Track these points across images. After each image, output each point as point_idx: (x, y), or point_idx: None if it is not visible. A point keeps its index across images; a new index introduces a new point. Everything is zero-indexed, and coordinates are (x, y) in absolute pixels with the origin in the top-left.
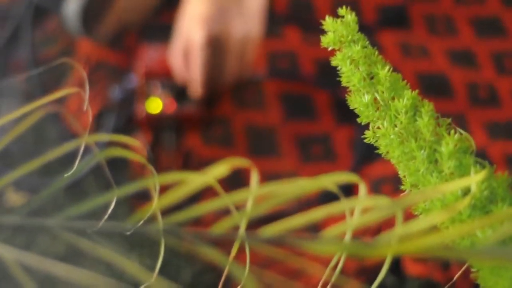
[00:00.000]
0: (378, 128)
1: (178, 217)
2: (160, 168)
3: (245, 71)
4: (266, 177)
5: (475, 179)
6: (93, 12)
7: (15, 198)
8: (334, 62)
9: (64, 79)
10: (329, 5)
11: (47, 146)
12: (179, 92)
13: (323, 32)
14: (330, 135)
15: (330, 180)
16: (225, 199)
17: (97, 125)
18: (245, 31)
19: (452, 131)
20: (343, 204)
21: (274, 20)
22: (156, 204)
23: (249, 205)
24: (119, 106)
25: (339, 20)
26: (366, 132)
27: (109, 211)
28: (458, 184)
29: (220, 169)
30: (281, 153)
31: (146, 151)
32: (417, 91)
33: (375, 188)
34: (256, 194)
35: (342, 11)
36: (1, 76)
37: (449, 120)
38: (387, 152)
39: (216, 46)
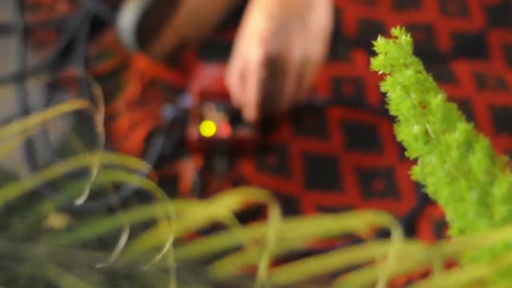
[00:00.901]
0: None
1: (187, 251)
2: (209, 194)
3: (303, 94)
4: (323, 211)
5: None
6: (149, 27)
7: (57, 221)
8: (383, 87)
9: (116, 95)
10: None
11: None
12: (234, 115)
13: None
14: (394, 169)
15: (358, 220)
16: (241, 234)
17: (147, 146)
18: (306, 51)
19: (508, 171)
20: (370, 249)
21: (341, 42)
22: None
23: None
24: (171, 127)
25: (391, 41)
26: (414, 167)
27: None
28: (510, 232)
29: (230, 201)
30: (340, 185)
31: (193, 175)
32: (472, 124)
33: (437, 231)
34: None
35: (396, 31)
36: (53, 90)
37: (506, 158)
38: (435, 192)
39: (274, 66)
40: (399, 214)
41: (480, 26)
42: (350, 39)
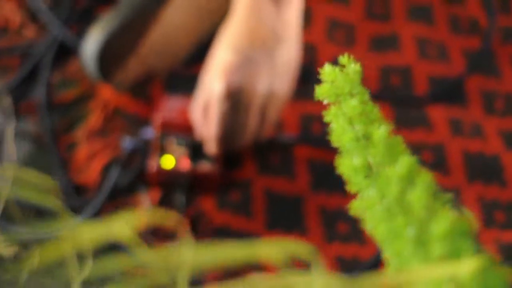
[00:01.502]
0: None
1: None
2: (165, 230)
3: (267, 130)
4: None
5: (466, 267)
6: (112, 55)
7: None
8: (327, 117)
9: (77, 125)
10: (376, 71)
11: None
12: (196, 150)
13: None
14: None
15: (274, 249)
16: (146, 255)
17: (105, 177)
18: (271, 86)
19: (448, 207)
20: (287, 279)
21: (314, 81)
22: None
23: (183, 266)
24: (130, 158)
25: (338, 69)
26: (353, 202)
27: None
28: (441, 270)
29: (131, 220)
30: (304, 226)
31: (149, 209)
32: (415, 158)
33: None
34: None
35: (343, 59)
36: (13, 116)
37: (449, 196)
38: (373, 228)
39: (236, 100)
40: (363, 258)
41: (459, 71)
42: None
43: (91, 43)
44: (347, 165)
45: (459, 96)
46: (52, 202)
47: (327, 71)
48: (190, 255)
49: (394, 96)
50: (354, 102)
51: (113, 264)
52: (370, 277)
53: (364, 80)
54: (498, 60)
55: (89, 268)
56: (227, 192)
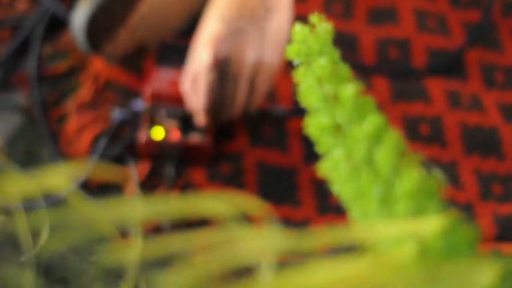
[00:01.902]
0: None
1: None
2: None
3: (257, 102)
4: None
5: (430, 224)
6: (101, 26)
7: None
8: (296, 77)
9: (68, 97)
10: (374, 43)
11: (38, 167)
12: (187, 121)
13: (355, 69)
14: None
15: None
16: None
17: (96, 149)
18: (260, 56)
19: (414, 166)
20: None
21: None
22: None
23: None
24: (120, 129)
25: (309, 29)
26: (321, 162)
27: None
28: (404, 227)
29: (67, 171)
30: (296, 199)
31: (137, 180)
32: (384, 117)
33: None
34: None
35: (314, 18)
36: (3, 89)
37: (420, 156)
38: (340, 189)
39: (223, 70)
40: None
41: (458, 44)
42: None
43: (80, 14)
44: (315, 125)
45: (458, 69)
46: None
47: (297, 30)
48: (139, 207)
49: (392, 68)
50: (323, 61)
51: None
52: (326, 232)
53: (362, 53)
54: (498, 32)
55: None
56: (218, 164)
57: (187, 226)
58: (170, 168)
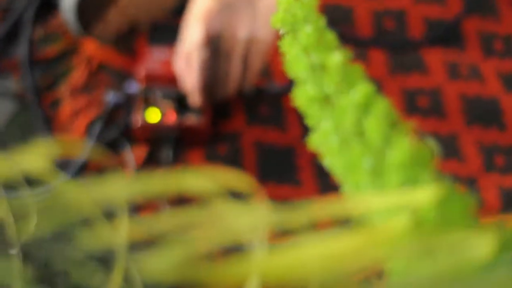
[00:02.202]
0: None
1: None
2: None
3: (252, 79)
4: (278, 203)
5: (424, 195)
6: (91, 7)
7: None
8: (282, 47)
9: (61, 81)
10: (369, 16)
11: None
12: (182, 102)
13: (352, 42)
14: None
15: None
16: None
17: (91, 134)
18: (253, 32)
19: (405, 136)
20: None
21: None
22: None
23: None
24: (114, 113)
25: None
26: (310, 136)
27: None
28: (396, 198)
29: (44, 150)
30: (296, 178)
31: (134, 164)
32: (373, 86)
33: None
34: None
35: None
36: None
37: (411, 124)
38: (330, 163)
39: (216, 46)
40: None
41: (456, 12)
42: None
43: None
44: (303, 97)
45: (456, 39)
46: None
47: None
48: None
49: (388, 40)
50: (308, 29)
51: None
52: (315, 205)
53: (358, 25)
54: (496, 0)
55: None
56: (215, 145)
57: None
58: (167, 151)
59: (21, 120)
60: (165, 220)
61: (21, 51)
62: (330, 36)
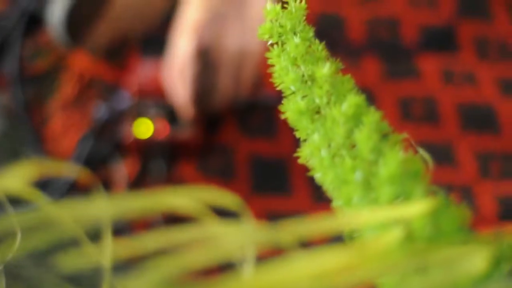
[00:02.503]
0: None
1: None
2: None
3: (245, 91)
4: (271, 217)
5: (416, 208)
6: (80, 20)
7: None
8: (270, 59)
9: (50, 96)
10: (362, 23)
11: None
12: (173, 115)
13: (345, 51)
14: None
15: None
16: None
17: (81, 150)
18: (242, 43)
19: (396, 148)
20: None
21: None
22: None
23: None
24: (104, 127)
25: (279, 7)
26: (300, 149)
27: None
28: (389, 212)
29: (23, 171)
30: (290, 190)
31: (126, 180)
32: (363, 96)
33: None
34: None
35: None
36: None
37: (402, 136)
38: (320, 176)
39: (207, 59)
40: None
41: (448, 17)
42: None
43: (57, 8)
44: (292, 109)
45: (450, 44)
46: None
47: (269, 9)
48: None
49: (382, 48)
50: (297, 40)
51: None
52: (305, 223)
53: (351, 34)
54: (489, 3)
55: None
56: (208, 157)
57: (173, 223)
58: (160, 165)
59: (11, 135)
60: (153, 240)
61: (10, 67)
62: (319, 47)
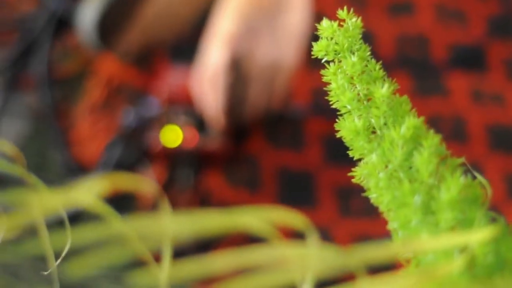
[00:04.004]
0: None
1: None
2: (174, 209)
3: (276, 103)
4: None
5: (477, 236)
6: (113, 23)
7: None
8: (325, 77)
9: (78, 99)
10: (392, 40)
11: (48, 174)
12: (202, 124)
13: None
14: None
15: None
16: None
17: (107, 153)
18: (275, 56)
19: (458, 173)
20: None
21: None
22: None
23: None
24: (133, 135)
25: (337, 24)
26: (355, 169)
27: None
28: (451, 239)
29: (95, 186)
30: (316, 202)
31: (155, 188)
32: (422, 118)
33: None
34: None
35: (342, 14)
36: (12, 91)
37: (460, 160)
38: (377, 197)
39: (239, 71)
40: (377, 235)
41: (479, 36)
42: None
43: (91, 10)
44: (348, 128)
45: (480, 63)
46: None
47: (325, 26)
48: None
49: (411, 64)
50: (354, 59)
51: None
52: (370, 248)
53: (380, 48)
54: None
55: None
56: (235, 167)
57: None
58: (188, 174)
59: (37, 138)
60: (224, 260)
61: (38, 69)
62: (376, 66)
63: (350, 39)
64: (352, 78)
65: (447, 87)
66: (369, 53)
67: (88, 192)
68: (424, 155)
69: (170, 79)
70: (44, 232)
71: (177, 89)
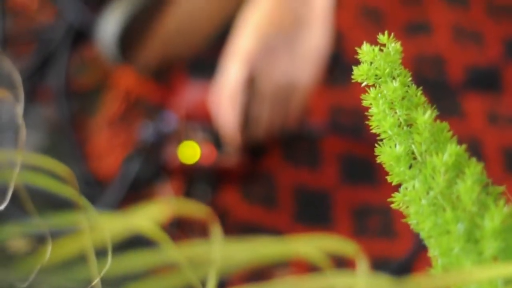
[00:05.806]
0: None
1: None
2: (190, 227)
3: (293, 121)
4: None
5: None
6: (133, 37)
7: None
8: (365, 102)
9: (95, 112)
10: (408, 60)
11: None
12: (219, 140)
13: None
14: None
15: (313, 246)
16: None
17: (124, 167)
18: (292, 76)
19: (502, 202)
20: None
21: (341, 69)
22: None
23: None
24: (151, 149)
25: (377, 49)
26: (395, 194)
27: None
28: (498, 270)
29: (155, 212)
30: (332, 221)
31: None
32: (464, 146)
33: None
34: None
35: (383, 38)
36: (29, 103)
37: (502, 188)
38: (417, 223)
39: (255, 89)
40: (393, 255)
41: (495, 58)
42: (351, 66)
43: (112, 23)
44: (389, 154)
45: (496, 85)
46: (69, 191)
47: (365, 50)
48: (220, 251)
49: (426, 85)
50: (395, 84)
51: (136, 260)
52: (419, 278)
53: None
54: None
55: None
56: (252, 185)
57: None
58: (205, 190)
59: (54, 150)
60: None
61: (56, 81)
62: (416, 92)
63: (391, 64)
64: (392, 103)
65: (463, 109)
66: (410, 78)
67: (147, 218)
68: (468, 183)
69: (188, 94)
70: (92, 258)
71: (195, 105)
